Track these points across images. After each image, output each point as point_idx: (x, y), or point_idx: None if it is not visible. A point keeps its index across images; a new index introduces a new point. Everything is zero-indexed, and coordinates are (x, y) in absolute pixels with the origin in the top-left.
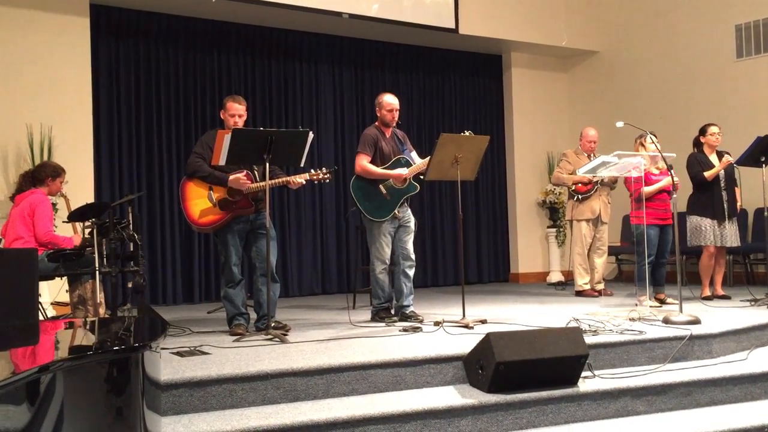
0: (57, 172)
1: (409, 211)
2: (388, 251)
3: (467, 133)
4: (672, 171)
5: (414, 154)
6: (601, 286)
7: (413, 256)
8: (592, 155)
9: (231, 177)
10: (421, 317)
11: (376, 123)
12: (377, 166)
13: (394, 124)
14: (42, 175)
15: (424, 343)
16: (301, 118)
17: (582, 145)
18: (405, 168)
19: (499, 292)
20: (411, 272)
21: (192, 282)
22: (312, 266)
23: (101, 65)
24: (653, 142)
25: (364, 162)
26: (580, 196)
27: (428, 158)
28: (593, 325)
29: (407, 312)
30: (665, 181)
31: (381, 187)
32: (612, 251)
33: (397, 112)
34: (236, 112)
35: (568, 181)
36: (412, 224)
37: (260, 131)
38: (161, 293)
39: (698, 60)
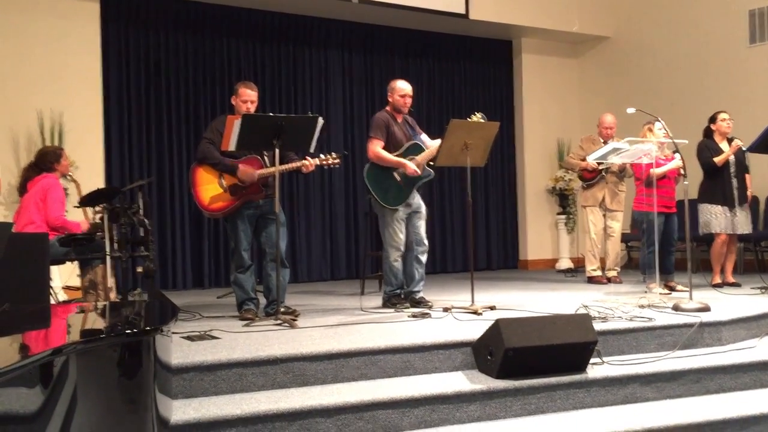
0: (58, 153)
1: (418, 196)
2: (402, 237)
3: (478, 115)
4: (679, 154)
5: (424, 137)
6: (612, 274)
7: (426, 242)
8: (609, 141)
9: (240, 168)
10: (430, 303)
11: (387, 108)
12: (390, 152)
13: (406, 111)
14: (47, 163)
15: (433, 329)
16: (311, 103)
17: (599, 131)
18: (416, 156)
19: (508, 278)
20: (424, 258)
21: (202, 267)
22: (321, 252)
23: (111, 51)
24: (662, 128)
25: (377, 148)
26: (585, 183)
27: (438, 143)
28: (602, 312)
29: (417, 297)
30: (674, 163)
31: (395, 174)
32: (622, 238)
33: (410, 98)
34: (249, 98)
35: (575, 166)
36: (423, 210)
37: (270, 117)
38: (171, 278)
39: (711, 46)
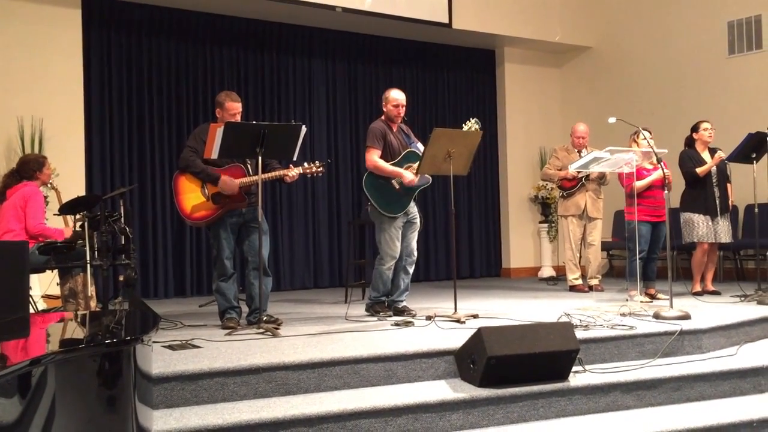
0: (40, 162)
1: (415, 207)
2: (398, 245)
3: (472, 121)
4: (662, 164)
5: (420, 146)
6: (594, 282)
7: (415, 253)
8: (583, 151)
9: (222, 178)
10: (413, 311)
11: (382, 117)
12: (386, 160)
13: (399, 121)
14: (29, 171)
15: (415, 338)
16: (294, 111)
17: (572, 141)
18: (414, 164)
19: (491, 287)
20: (411, 269)
21: (184, 275)
22: (304, 260)
23: (93, 57)
24: (646, 138)
25: (375, 157)
26: (565, 192)
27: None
28: (584, 320)
29: (400, 306)
30: (656, 175)
31: (394, 182)
32: (603, 246)
33: (403, 108)
34: (236, 110)
35: (554, 177)
36: (418, 221)
37: (253, 125)
38: (153, 287)
39: (690, 56)
